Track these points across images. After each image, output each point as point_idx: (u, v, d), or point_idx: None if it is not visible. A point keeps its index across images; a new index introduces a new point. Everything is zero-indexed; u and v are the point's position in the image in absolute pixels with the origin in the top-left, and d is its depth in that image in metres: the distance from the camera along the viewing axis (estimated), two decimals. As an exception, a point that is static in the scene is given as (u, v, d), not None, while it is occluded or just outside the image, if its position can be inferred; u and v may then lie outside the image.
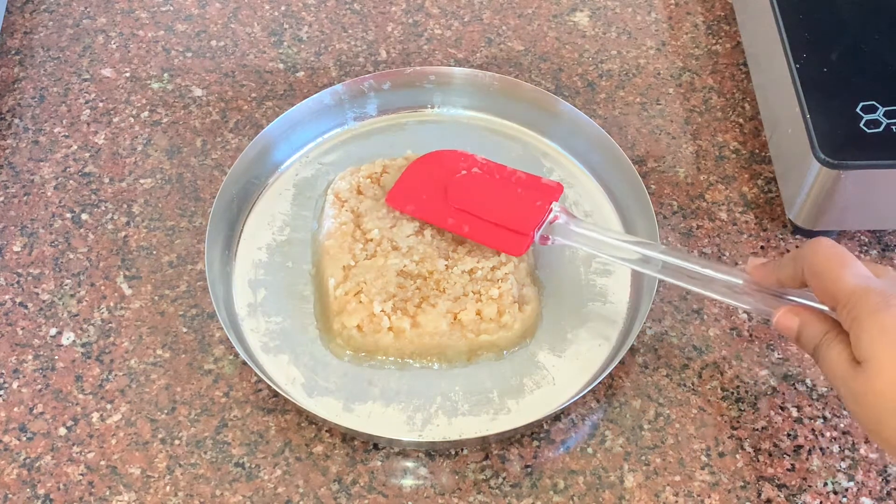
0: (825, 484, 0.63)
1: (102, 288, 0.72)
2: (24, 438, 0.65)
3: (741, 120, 0.81)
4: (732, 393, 0.67)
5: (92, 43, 0.86)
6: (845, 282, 0.55)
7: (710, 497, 0.63)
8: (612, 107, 0.82)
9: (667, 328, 0.70)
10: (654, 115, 0.81)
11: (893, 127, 0.67)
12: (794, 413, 0.66)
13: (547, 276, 0.71)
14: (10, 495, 0.63)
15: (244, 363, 0.67)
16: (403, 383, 0.67)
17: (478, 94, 0.80)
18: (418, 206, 0.70)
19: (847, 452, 0.64)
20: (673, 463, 0.64)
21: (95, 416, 0.66)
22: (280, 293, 0.71)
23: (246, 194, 0.75)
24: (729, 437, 0.65)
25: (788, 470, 0.64)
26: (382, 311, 0.66)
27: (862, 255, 0.73)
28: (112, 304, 0.71)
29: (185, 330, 0.70)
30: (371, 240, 0.70)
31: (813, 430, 0.65)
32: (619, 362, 0.65)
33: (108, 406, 0.66)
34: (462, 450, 0.65)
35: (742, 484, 0.63)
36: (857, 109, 0.68)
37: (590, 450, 0.65)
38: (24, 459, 0.64)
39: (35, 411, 0.66)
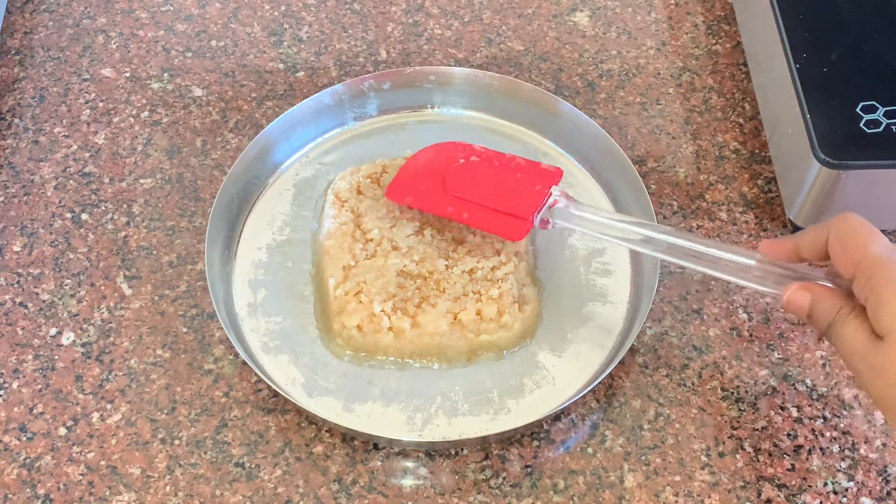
0: (825, 484, 0.63)
1: (102, 288, 0.72)
2: (24, 438, 0.65)
3: (741, 120, 0.81)
4: (732, 393, 0.67)
5: (92, 43, 0.86)
6: (870, 249, 0.54)
7: (710, 497, 0.63)
8: (612, 107, 0.82)
9: (667, 328, 0.70)
10: (654, 115, 0.81)
11: (893, 127, 0.67)
12: (794, 413, 0.66)
13: (547, 276, 0.71)
14: (10, 495, 0.63)
15: (244, 363, 0.67)
16: (403, 383, 0.67)
17: (478, 94, 0.80)
18: (417, 196, 0.70)
19: (847, 452, 0.64)
20: (673, 463, 0.64)
21: (95, 416, 0.66)
22: (280, 293, 0.71)
23: (246, 194, 0.75)
24: (729, 437, 0.65)
25: (788, 470, 0.64)
26: (382, 311, 0.66)
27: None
28: (112, 304, 0.71)
29: (185, 330, 0.70)
30: (371, 240, 0.70)
31: (813, 430, 0.65)
32: (619, 362, 0.65)
33: (108, 406, 0.66)
34: (462, 450, 0.65)
35: (742, 484, 0.63)
36: (857, 109, 0.68)
37: (590, 450, 0.65)
38: (24, 459, 0.64)
39: (35, 411, 0.66)
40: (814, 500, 0.63)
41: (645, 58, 0.85)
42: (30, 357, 0.68)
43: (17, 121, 0.81)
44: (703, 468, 0.64)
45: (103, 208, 0.76)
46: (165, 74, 0.84)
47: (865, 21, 0.74)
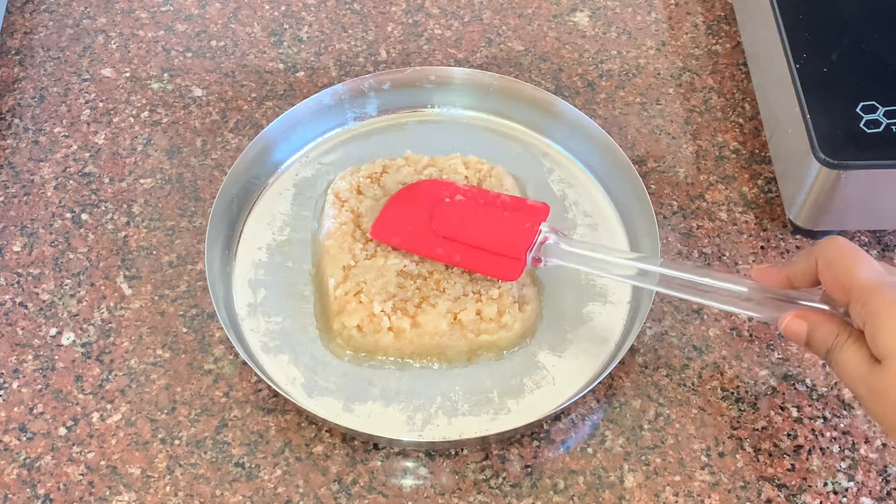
0: (825, 484, 0.63)
1: (102, 288, 0.72)
2: (24, 438, 0.65)
3: (741, 120, 0.81)
4: (732, 393, 0.67)
5: (92, 43, 0.86)
6: (860, 275, 0.54)
7: (710, 497, 0.63)
8: (612, 107, 0.82)
9: (667, 328, 0.70)
10: (654, 115, 0.81)
11: (893, 127, 0.67)
12: (794, 413, 0.66)
13: (547, 276, 0.71)
14: (10, 495, 0.63)
15: (244, 363, 0.67)
16: (403, 383, 0.66)
17: (478, 94, 0.80)
18: (404, 237, 0.69)
19: (847, 452, 0.64)
20: (673, 463, 0.64)
21: (95, 416, 0.66)
22: (280, 293, 0.71)
23: (246, 194, 0.75)
24: (729, 437, 0.65)
25: (788, 470, 0.64)
26: (382, 311, 0.66)
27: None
28: (112, 304, 0.71)
29: (185, 330, 0.70)
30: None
31: (813, 430, 0.65)
32: (619, 362, 0.65)
33: (108, 406, 0.66)
34: (462, 450, 0.65)
35: (742, 484, 0.63)
36: (857, 109, 0.68)
37: (590, 450, 0.65)
38: (24, 459, 0.64)
39: (35, 411, 0.66)
40: (814, 500, 0.63)
41: (645, 58, 0.85)
42: (30, 357, 0.68)
43: (17, 121, 0.81)
44: (703, 468, 0.64)
45: (103, 208, 0.76)
46: (165, 74, 0.84)
47: (865, 21, 0.74)
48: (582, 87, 0.83)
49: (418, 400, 0.66)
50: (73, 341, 0.69)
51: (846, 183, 0.67)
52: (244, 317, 0.70)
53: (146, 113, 0.82)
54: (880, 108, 0.68)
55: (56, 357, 0.68)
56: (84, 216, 0.75)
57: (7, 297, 0.71)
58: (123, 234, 0.74)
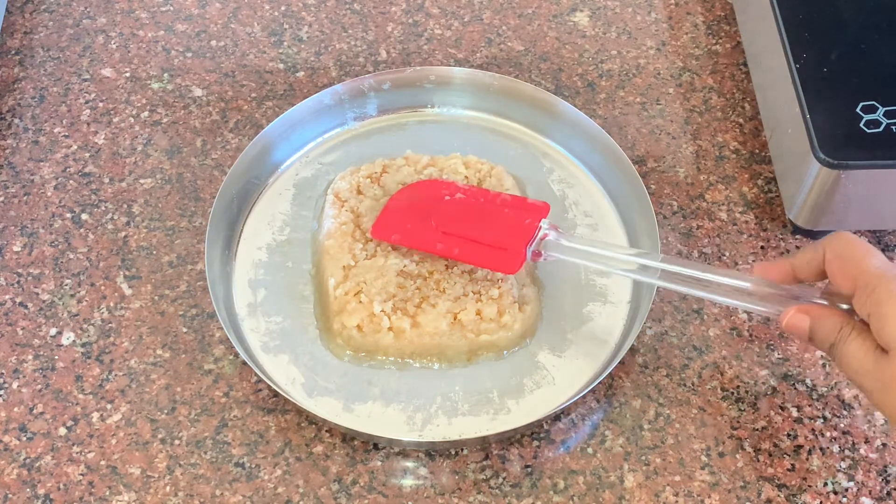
0: (825, 484, 0.63)
1: (102, 288, 0.72)
2: (24, 438, 0.65)
3: (741, 120, 0.81)
4: (732, 393, 0.67)
5: (92, 43, 0.86)
6: (868, 264, 0.54)
7: (710, 497, 0.63)
8: (612, 107, 0.82)
9: (667, 328, 0.70)
10: (654, 115, 0.81)
11: (893, 127, 0.67)
12: (794, 413, 0.66)
13: (547, 276, 0.71)
14: (10, 495, 0.63)
15: (244, 363, 0.67)
16: (403, 383, 0.66)
17: (478, 94, 0.80)
18: (404, 234, 0.69)
19: (847, 452, 0.64)
20: (673, 463, 0.64)
21: (95, 416, 0.66)
22: (280, 293, 0.71)
23: (246, 194, 0.75)
24: (729, 437, 0.65)
25: (788, 470, 0.64)
26: (382, 311, 0.66)
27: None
28: (112, 304, 0.71)
29: (185, 330, 0.70)
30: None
31: (813, 430, 0.65)
32: (619, 362, 0.65)
33: (108, 406, 0.66)
34: (462, 450, 0.65)
35: (742, 484, 0.63)
36: (857, 109, 0.68)
37: (590, 450, 0.65)
38: (24, 459, 0.64)
39: (35, 411, 0.66)
40: (814, 500, 0.63)
41: (645, 58, 0.85)
42: (30, 357, 0.68)
43: (17, 121, 0.81)
44: (703, 468, 0.64)
45: (103, 208, 0.76)
46: (165, 74, 0.84)
47: (865, 21, 0.74)
48: (582, 87, 0.83)
49: (418, 400, 0.66)
50: (73, 341, 0.69)
51: (846, 183, 0.67)
52: (244, 317, 0.70)
53: (146, 113, 0.82)
54: (880, 108, 0.68)
55: (56, 357, 0.68)
56: (84, 216, 0.75)
57: (7, 297, 0.71)
58: (123, 234, 0.74)
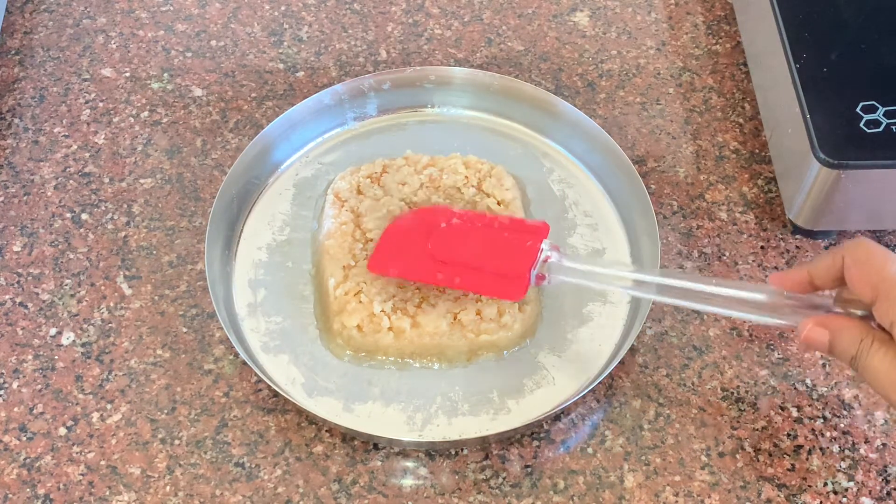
0: (825, 484, 0.63)
1: (102, 288, 0.72)
2: (24, 438, 0.65)
3: (741, 120, 0.81)
4: (732, 393, 0.67)
5: (92, 43, 0.86)
6: (889, 270, 0.53)
7: (710, 497, 0.63)
8: (612, 107, 0.82)
9: (667, 328, 0.70)
10: (654, 115, 0.81)
11: (893, 127, 0.67)
12: (794, 413, 0.66)
13: (547, 276, 0.71)
14: (10, 495, 0.63)
15: (244, 363, 0.67)
16: (403, 383, 0.66)
17: (478, 94, 0.80)
18: (402, 267, 0.67)
19: (847, 452, 0.64)
20: (673, 463, 0.64)
21: (95, 416, 0.66)
22: (280, 293, 0.71)
23: (246, 194, 0.75)
24: (729, 437, 0.65)
25: (788, 470, 0.64)
26: (382, 311, 0.66)
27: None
28: (112, 304, 0.71)
29: (185, 330, 0.70)
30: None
31: (813, 430, 0.65)
32: (619, 362, 0.65)
33: (108, 406, 0.66)
34: (462, 450, 0.65)
35: (742, 484, 0.63)
36: (857, 109, 0.68)
37: (590, 450, 0.65)
38: (24, 459, 0.64)
39: (35, 411, 0.66)
40: (814, 500, 0.63)
41: (645, 58, 0.85)
42: (30, 357, 0.68)
43: (17, 121, 0.81)
44: (703, 468, 0.64)
45: (103, 208, 0.76)
46: (165, 74, 0.84)
47: (865, 21, 0.74)
48: (582, 87, 0.83)
49: (418, 400, 0.66)
50: (73, 341, 0.69)
51: (846, 183, 0.67)
52: (244, 317, 0.70)
53: (146, 113, 0.82)
54: (880, 108, 0.68)
55: (56, 357, 0.68)
56: (84, 216, 0.75)
57: (7, 297, 0.71)
58: (123, 234, 0.74)
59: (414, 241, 0.68)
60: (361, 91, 0.79)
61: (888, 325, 0.53)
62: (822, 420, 0.66)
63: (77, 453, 0.64)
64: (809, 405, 0.66)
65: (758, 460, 0.64)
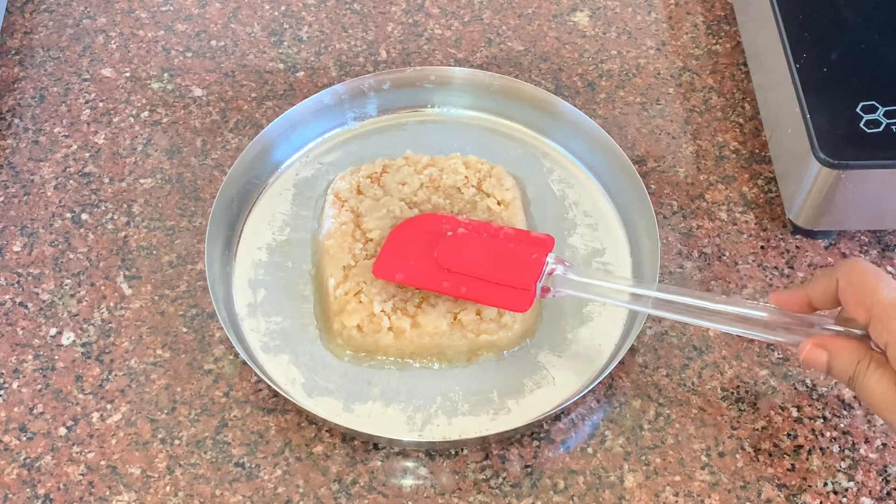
0: (825, 484, 0.63)
1: (102, 288, 0.72)
2: (24, 438, 0.65)
3: (741, 120, 0.81)
4: (732, 393, 0.67)
5: (92, 43, 0.86)
6: (882, 294, 0.54)
7: (710, 497, 0.63)
8: (612, 107, 0.82)
9: (667, 328, 0.70)
10: (654, 115, 0.81)
11: (893, 127, 0.67)
12: (794, 413, 0.66)
13: (547, 276, 0.71)
14: (10, 495, 0.63)
15: (244, 363, 0.67)
16: (403, 383, 0.66)
17: (478, 94, 0.80)
18: (408, 273, 0.67)
19: (847, 452, 0.64)
20: (673, 463, 0.64)
21: (95, 416, 0.66)
22: (280, 293, 0.71)
23: (246, 194, 0.75)
24: (729, 437, 0.65)
25: (788, 470, 0.64)
26: (382, 311, 0.66)
27: (862, 256, 0.73)
28: (112, 304, 0.71)
29: (185, 330, 0.70)
30: (371, 240, 0.70)
31: (813, 430, 0.65)
32: (619, 362, 0.65)
33: (108, 406, 0.66)
34: (462, 450, 0.65)
35: (742, 484, 0.63)
36: (857, 109, 0.68)
37: (590, 450, 0.65)
38: (24, 459, 0.64)
39: (35, 411, 0.66)
40: (814, 500, 0.63)
41: (645, 58, 0.85)
42: (30, 357, 0.68)
43: (17, 121, 0.81)
44: (703, 468, 0.64)
45: (103, 208, 0.76)
46: (165, 74, 0.84)
47: (865, 21, 0.74)
48: (582, 87, 0.83)
49: (418, 400, 0.66)
50: (73, 341, 0.69)
51: (846, 183, 0.67)
52: (244, 317, 0.70)
53: (146, 113, 0.82)
54: (880, 108, 0.68)
55: (56, 357, 0.68)
56: (84, 216, 0.75)
57: (7, 297, 0.71)
58: (123, 234, 0.74)
59: (420, 247, 0.68)
60: (361, 91, 0.79)
61: (883, 345, 0.54)
62: (822, 420, 0.66)
63: (77, 453, 0.64)
64: (809, 405, 0.66)
65: (758, 460, 0.64)
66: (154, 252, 0.73)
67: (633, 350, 0.68)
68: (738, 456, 0.64)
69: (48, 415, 0.66)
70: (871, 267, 0.56)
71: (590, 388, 0.64)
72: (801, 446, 0.65)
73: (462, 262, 0.66)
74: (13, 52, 0.85)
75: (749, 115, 0.81)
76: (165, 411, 0.66)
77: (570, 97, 0.82)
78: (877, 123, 0.67)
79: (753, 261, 0.73)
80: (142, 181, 0.77)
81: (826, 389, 0.67)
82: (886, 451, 0.64)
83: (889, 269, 0.72)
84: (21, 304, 0.71)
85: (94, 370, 0.68)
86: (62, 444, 0.65)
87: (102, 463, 0.64)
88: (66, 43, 0.86)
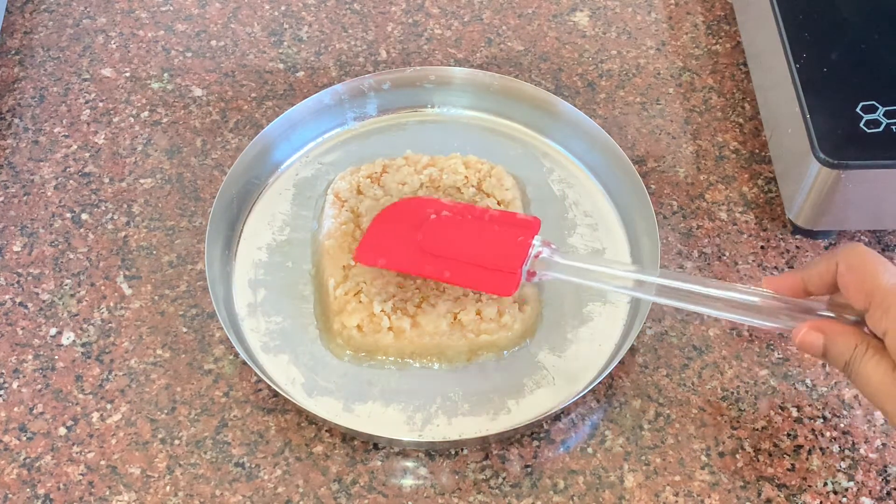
0: (825, 484, 0.63)
1: (102, 288, 0.72)
2: (24, 438, 0.65)
3: (741, 120, 0.81)
4: (732, 393, 0.67)
5: (92, 43, 0.86)
6: (883, 279, 0.53)
7: (710, 497, 0.63)
8: (612, 107, 0.82)
9: (667, 328, 0.70)
10: (654, 115, 0.81)
11: (893, 127, 0.67)
12: (794, 413, 0.66)
13: (547, 276, 0.71)
14: (10, 495, 0.63)
15: (244, 363, 0.67)
16: (403, 383, 0.66)
17: (478, 94, 0.80)
18: (391, 258, 0.66)
19: (847, 452, 0.64)
20: (673, 463, 0.64)
21: (95, 416, 0.66)
22: (280, 293, 0.71)
23: (246, 194, 0.75)
24: (729, 437, 0.65)
25: (788, 470, 0.64)
26: (382, 311, 0.66)
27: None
28: (112, 304, 0.71)
29: (185, 330, 0.70)
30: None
31: (813, 430, 0.65)
32: (619, 362, 0.65)
33: (108, 406, 0.66)
34: (462, 450, 0.65)
35: (742, 484, 0.63)
36: (857, 109, 0.68)
37: (590, 450, 0.65)
38: (24, 459, 0.64)
39: (35, 411, 0.66)
40: (814, 500, 0.63)
41: (645, 58, 0.85)
42: (30, 357, 0.68)
43: (17, 121, 0.81)
44: (703, 468, 0.64)
45: (103, 208, 0.76)
46: (165, 74, 0.84)
47: (865, 21, 0.74)
48: (582, 87, 0.83)
49: (418, 400, 0.66)
50: (73, 341, 0.69)
51: (846, 183, 0.67)
52: (244, 317, 0.70)
53: (146, 113, 0.82)
54: (880, 108, 0.68)
55: (56, 357, 0.68)
56: (84, 216, 0.75)
57: (7, 297, 0.71)
58: (123, 234, 0.74)
59: (403, 232, 0.67)
60: (361, 91, 0.79)
61: (881, 333, 0.53)
62: (822, 420, 0.66)
63: (77, 453, 0.64)
64: (809, 405, 0.66)
65: (758, 460, 0.64)
66: (154, 252, 0.73)
67: (633, 350, 0.68)
68: (738, 456, 0.64)
69: (48, 415, 0.66)
70: (871, 252, 0.55)
71: (590, 387, 0.64)
72: (801, 446, 0.65)
73: (446, 246, 0.65)
74: (13, 52, 0.85)
75: (749, 115, 0.82)
76: (165, 411, 0.66)
77: (570, 97, 0.82)
78: (877, 123, 0.67)
79: (753, 261, 0.73)
80: (142, 181, 0.77)
81: (826, 389, 0.67)
82: (886, 450, 0.64)
83: (889, 269, 0.72)
84: (21, 304, 0.71)
85: (94, 370, 0.68)
86: (62, 444, 0.65)
87: (102, 463, 0.64)
88: (66, 43, 0.86)
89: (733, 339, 0.69)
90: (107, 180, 0.77)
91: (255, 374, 0.66)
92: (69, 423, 0.66)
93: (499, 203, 0.72)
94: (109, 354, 0.69)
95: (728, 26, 0.88)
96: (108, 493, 0.63)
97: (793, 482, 0.63)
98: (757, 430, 0.65)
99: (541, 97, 0.78)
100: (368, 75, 0.79)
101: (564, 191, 0.76)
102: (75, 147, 0.79)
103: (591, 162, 0.77)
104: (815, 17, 0.74)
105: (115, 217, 0.75)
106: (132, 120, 0.81)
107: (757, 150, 0.79)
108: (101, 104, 0.82)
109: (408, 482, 0.64)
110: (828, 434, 0.65)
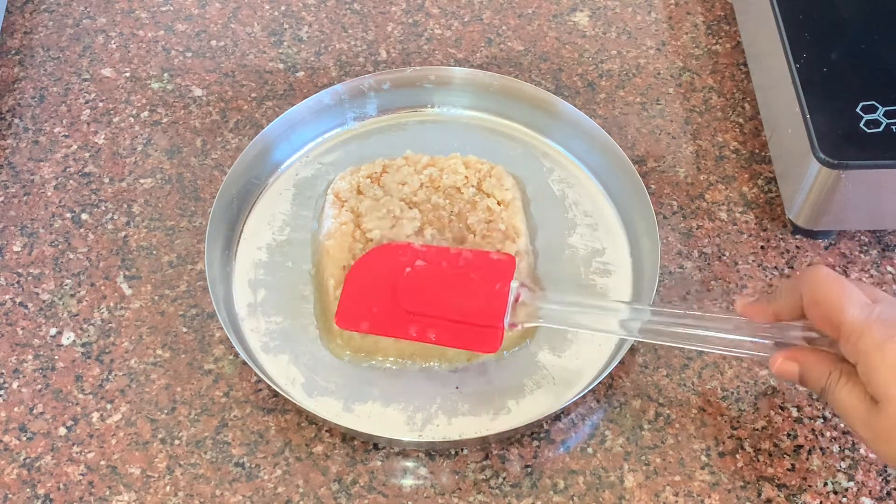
0: (825, 484, 0.63)
1: (102, 288, 0.72)
2: (24, 438, 0.65)
3: (741, 120, 0.81)
4: (732, 393, 0.67)
5: (92, 43, 0.86)
6: (848, 313, 0.53)
7: (710, 497, 0.63)
8: (612, 107, 0.82)
9: (667, 328, 0.70)
10: (654, 115, 0.81)
11: (893, 127, 0.67)
12: (794, 413, 0.66)
13: (547, 277, 0.71)
14: (10, 495, 0.63)
15: (244, 363, 0.67)
16: (403, 383, 0.66)
17: (478, 94, 0.80)
18: (372, 321, 0.65)
19: (847, 452, 0.64)
20: (673, 463, 0.64)
21: (95, 416, 0.66)
22: (280, 293, 0.71)
23: (246, 194, 0.75)
24: (729, 437, 0.65)
25: (788, 470, 0.64)
26: (382, 311, 0.66)
27: (862, 255, 0.73)
28: (112, 304, 0.71)
29: (185, 330, 0.70)
30: (371, 240, 0.70)
31: (813, 430, 0.65)
32: (619, 362, 0.65)
33: (108, 406, 0.66)
34: (462, 450, 0.65)
35: (742, 484, 0.63)
36: (857, 109, 0.68)
37: (590, 450, 0.65)
38: (24, 459, 0.64)
39: (35, 411, 0.66)
40: (814, 500, 0.63)
41: (645, 58, 0.85)
42: (30, 357, 0.68)
43: (17, 121, 0.81)
44: (703, 468, 0.64)
45: (103, 208, 0.76)
46: (165, 74, 0.84)
47: (865, 21, 0.74)
48: (582, 87, 0.83)
49: (418, 400, 0.66)
50: (73, 341, 0.69)
51: (846, 183, 0.67)
52: (244, 317, 0.70)
53: (146, 113, 0.82)
54: (880, 108, 0.68)
55: (56, 357, 0.68)
56: (84, 216, 0.75)
57: (7, 297, 0.71)
58: (123, 234, 0.74)
59: (380, 288, 0.65)
60: (361, 91, 0.79)
61: (853, 362, 0.54)
62: (822, 420, 0.66)
63: (77, 453, 0.64)
64: (809, 405, 0.66)
65: (758, 460, 0.64)
66: (154, 252, 0.73)
67: (633, 350, 0.68)
68: (738, 456, 0.64)
69: (48, 415, 0.66)
70: (834, 280, 0.55)
71: (590, 387, 0.64)
72: (801, 446, 0.65)
73: (425, 303, 0.64)
74: (13, 52, 0.85)
75: (749, 115, 0.82)
76: (165, 411, 0.66)
77: (570, 97, 0.82)
78: (877, 123, 0.67)
79: (753, 261, 0.73)
80: (142, 181, 0.77)
81: (826, 389, 0.67)
82: (886, 451, 0.64)
83: (889, 268, 0.72)
84: (21, 304, 0.71)
85: (94, 370, 0.68)
86: (62, 444, 0.65)
87: (102, 463, 0.64)
88: (66, 43, 0.86)
89: (733, 339, 0.69)
90: (107, 180, 0.77)
91: (255, 375, 0.66)
92: (69, 423, 0.66)
93: (499, 203, 0.72)
94: (109, 354, 0.69)
95: (728, 26, 0.88)
96: (108, 493, 0.63)
97: (793, 482, 0.63)
98: (757, 430, 0.65)
99: (541, 97, 0.78)
100: (368, 75, 0.79)
101: (564, 191, 0.76)
102: (75, 147, 0.79)
103: (591, 162, 0.77)
104: (815, 17, 0.74)
105: (115, 217, 0.75)
106: (132, 120, 0.81)
107: (757, 150, 0.79)
108: (101, 104, 0.82)
109: (408, 482, 0.64)
110: (828, 434, 0.65)
